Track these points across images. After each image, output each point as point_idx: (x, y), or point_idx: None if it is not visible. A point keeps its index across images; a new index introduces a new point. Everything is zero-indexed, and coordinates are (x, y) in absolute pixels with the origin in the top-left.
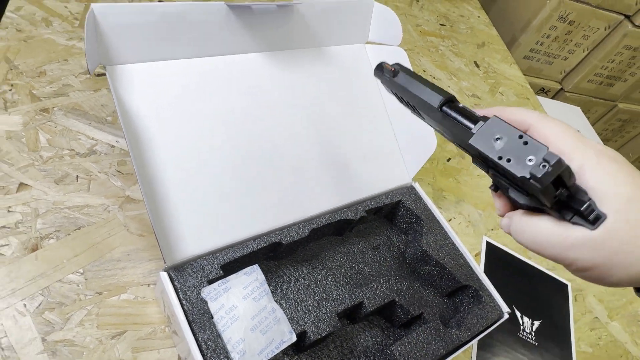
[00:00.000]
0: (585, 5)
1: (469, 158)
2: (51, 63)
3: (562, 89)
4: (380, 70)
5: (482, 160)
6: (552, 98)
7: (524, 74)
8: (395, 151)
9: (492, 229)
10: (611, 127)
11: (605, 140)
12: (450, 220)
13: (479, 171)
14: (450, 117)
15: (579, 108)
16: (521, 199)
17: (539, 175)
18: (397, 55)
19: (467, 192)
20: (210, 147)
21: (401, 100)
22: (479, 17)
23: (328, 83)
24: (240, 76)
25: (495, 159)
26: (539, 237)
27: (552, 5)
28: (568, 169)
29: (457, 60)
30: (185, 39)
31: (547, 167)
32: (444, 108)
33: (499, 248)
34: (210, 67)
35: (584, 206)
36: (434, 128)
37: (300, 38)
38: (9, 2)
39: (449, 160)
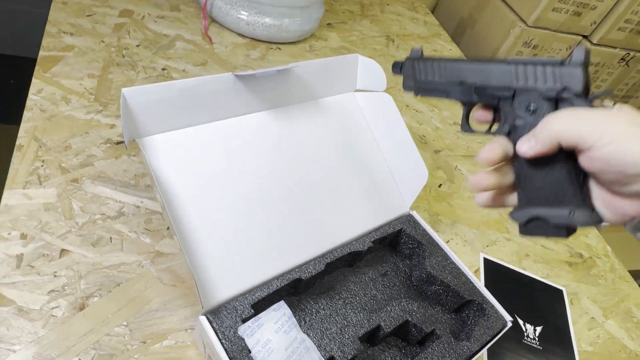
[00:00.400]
0: (545, 31)
1: (458, 182)
2: (74, 137)
3: None
4: (399, 66)
5: (506, 90)
6: None
7: None
8: (392, 185)
9: (487, 246)
10: None
11: None
12: (448, 241)
13: (469, 193)
14: (489, 59)
15: None
16: (550, 88)
17: (582, 55)
18: (383, 100)
19: (461, 214)
20: (232, 199)
21: (427, 72)
22: (450, 49)
23: (327, 130)
24: (250, 133)
25: (535, 60)
26: (580, 111)
27: (515, 34)
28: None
29: None
30: (201, 107)
31: (583, 50)
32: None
33: (495, 262)
34: (224, 128)
35: (608, 90)
36: (451, 90)
37: (298, 94)
38: (31, 86)
39: (440, 186)
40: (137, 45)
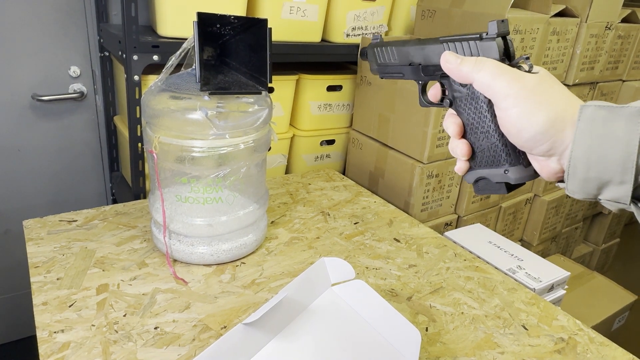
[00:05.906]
0: (441, 162)
1: (439, 318)
2: None
3: None
4: (364, 53)
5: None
6: None
7: None
8: (393, 351)
9: None
10: None
11: None
12: None
13: (453, 324)
14: (427, 40)
15: None
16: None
17: (495, 28)
18: (357, 285)
19: (455, 347)
20: None
21: (384, 56)
22: (375, 201)
23: (325, 326)
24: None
25: (460, 37)
26: (503, 66)
27: (418, 172)
28: (511, 41)
29: (381, 240)
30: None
31: (495, 23)
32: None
33: None
34: None
35: (526, 57)
36: (404, 71)
37: (293, 312)
38: None
39: (427, 329)
40: (124, 315)
